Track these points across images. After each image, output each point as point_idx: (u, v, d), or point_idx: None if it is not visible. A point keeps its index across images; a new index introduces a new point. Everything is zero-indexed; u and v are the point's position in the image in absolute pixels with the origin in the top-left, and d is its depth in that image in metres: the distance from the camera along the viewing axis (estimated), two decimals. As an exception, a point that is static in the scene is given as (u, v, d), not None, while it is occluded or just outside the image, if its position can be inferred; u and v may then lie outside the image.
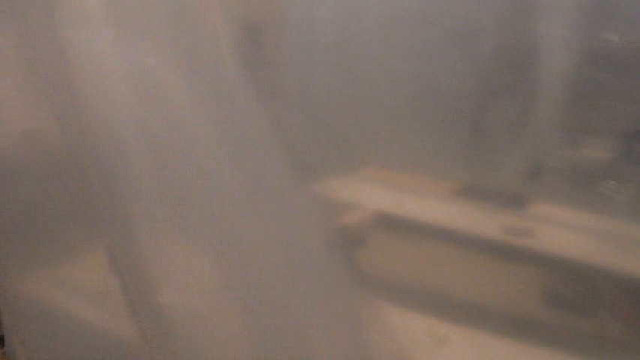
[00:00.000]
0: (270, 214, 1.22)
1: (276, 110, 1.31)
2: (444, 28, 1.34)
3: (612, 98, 1.02)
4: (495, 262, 1.21)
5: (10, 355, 1.76)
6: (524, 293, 1.16)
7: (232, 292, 1.15)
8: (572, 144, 1.07)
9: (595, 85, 1.05)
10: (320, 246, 1.27)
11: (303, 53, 1.47)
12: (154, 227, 1.19)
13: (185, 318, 1.22)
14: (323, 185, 1.37)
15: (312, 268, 1.25)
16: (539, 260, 1.13)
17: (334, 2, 1.48)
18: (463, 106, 1.26)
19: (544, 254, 1.11)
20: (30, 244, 1.60)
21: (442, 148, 1.30)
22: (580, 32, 1.10)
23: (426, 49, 1.34)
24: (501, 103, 1.19)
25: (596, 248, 1.02)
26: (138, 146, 1.19)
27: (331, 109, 1.42)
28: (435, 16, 1.32)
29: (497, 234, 1.18)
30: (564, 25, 1.12)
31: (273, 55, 1.41)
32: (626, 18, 1.05)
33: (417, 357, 1.21)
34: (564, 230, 1.09)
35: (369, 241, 1.37)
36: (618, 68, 1.03)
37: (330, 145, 1.41)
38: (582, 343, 1.09)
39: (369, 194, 1.38)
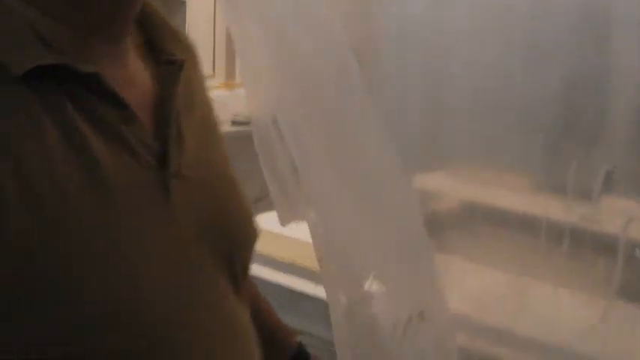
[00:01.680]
0: (383, 199, 1.45)
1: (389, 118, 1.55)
2: (527, 44, 1.57)
3: None
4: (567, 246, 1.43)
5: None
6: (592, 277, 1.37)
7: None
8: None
9: None
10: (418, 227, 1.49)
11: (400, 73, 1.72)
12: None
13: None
14: (421, 178, 1.63)
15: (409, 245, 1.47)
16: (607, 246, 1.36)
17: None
18: (544, 113, 1.49)
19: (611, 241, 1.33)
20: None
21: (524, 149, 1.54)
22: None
23: (508, 62, 1.58)
24: (578, 110, 1.42)
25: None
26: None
27: (428, 117, 1.66)
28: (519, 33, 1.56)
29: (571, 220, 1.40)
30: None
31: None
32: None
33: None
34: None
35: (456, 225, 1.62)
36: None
37: (426, 146, 1.65)
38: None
39: (458, 187, 1.62)
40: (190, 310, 0.80)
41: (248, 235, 0.94)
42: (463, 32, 1.62)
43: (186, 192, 0.82)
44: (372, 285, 1.21)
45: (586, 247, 1.37)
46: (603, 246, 1.29)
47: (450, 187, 1.65)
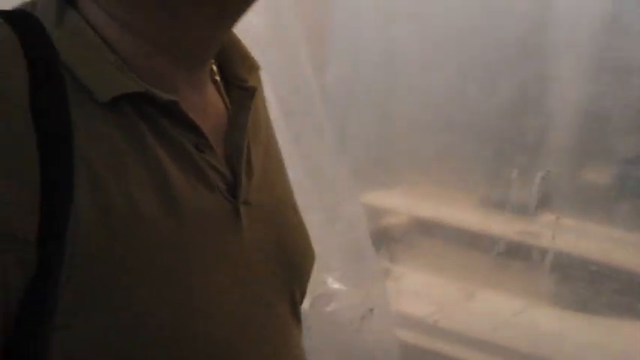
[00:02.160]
0: (336, 212, 1.57)
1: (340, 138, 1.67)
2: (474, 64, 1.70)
3: (615, 128, 1.40)
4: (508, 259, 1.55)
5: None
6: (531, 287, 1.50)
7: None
8: (577, 165, 1.45)
9: (600, 116, 1.43)
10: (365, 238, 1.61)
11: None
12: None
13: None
14: (373, 195, 1.75)
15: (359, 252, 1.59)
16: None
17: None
18: (487, 133, 1.62)
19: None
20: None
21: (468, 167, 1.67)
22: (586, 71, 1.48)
23: (458, 82, 1.70)
24: (518, 131, 1.55)
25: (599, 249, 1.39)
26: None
27: (379, 138, 1.79)
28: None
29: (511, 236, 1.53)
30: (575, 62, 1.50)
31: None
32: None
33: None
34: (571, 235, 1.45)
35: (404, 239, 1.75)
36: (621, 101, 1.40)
37: (377, 164, 1.78)
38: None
39: (408, 203, 1.75)
40: (258, 346, 0.80)
41: (309, 262, 0.93)
42: (414, 53, 1.74)
43: (254, 220, 0.81)
44: (332, 285, 1.33)
45: (521, 257, 1.50)
46: (536, 256, 1.42)
47: (400, 204, 1.77)
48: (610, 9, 1.46)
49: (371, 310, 1.32)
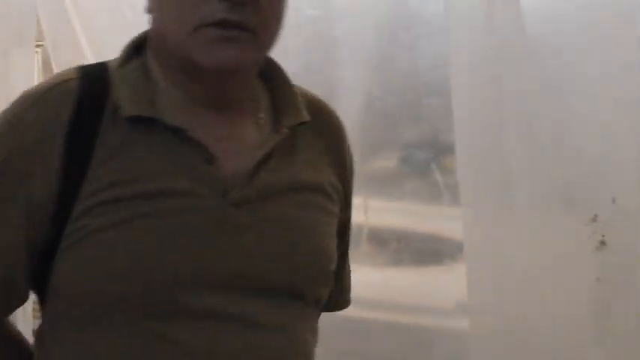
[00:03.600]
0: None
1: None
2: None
3: (395, 119, 1.77)
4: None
5: None
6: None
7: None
8: (370, 154, 1.82)
9: (385, 104, 1.78)
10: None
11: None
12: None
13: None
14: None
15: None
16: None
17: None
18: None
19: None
20: None
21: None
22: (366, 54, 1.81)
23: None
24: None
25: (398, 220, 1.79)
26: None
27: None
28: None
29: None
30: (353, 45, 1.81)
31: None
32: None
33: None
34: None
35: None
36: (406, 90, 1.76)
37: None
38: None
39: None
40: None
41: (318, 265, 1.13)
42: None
43: (256, 220, 1.06)
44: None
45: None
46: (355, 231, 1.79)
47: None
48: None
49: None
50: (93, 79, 1.10)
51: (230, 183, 1.06)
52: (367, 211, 1.77)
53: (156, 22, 1.09)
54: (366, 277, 1.80)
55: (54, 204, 1.03)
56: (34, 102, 1.08)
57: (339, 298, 1.27)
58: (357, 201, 1.85)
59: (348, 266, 1.28)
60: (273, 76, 1.17)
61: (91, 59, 2.06)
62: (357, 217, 1.83)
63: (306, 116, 1.14)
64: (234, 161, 1.07)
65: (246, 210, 1.06)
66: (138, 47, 1.12)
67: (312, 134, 1.16)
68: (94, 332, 1.03)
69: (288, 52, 1.78)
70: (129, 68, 1.10)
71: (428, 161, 1.80)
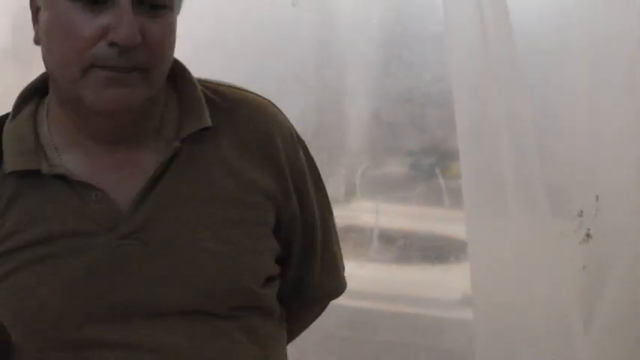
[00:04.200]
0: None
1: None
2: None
3: (401, 129, 1.92)
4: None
5: None
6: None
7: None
8: (381, 160, 1.98)
9: (391, 116, 1.94)
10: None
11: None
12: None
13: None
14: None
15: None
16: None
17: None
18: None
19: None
20: None
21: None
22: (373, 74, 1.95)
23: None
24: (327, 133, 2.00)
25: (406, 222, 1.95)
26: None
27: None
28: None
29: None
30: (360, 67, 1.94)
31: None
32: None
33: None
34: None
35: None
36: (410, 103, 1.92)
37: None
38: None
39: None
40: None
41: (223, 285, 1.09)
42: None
43: (140, 253, 1.06)
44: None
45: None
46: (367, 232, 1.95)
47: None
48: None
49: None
50: None
51: (118, 216, 1.06)
52: (378, 213, 1.94)
53: (45, 57, 1.07)
54: (375, 273, 1.96)
55: None
56: None
57: (315, 292, 1.26)
58: (368, 205, 2.02)
59: (329, 259, 1.24)
60: (179, 78, 1.13)
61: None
62: (368, 219, 2.00)
63: (206, 122, 1.10)
64: (124, 192, 1.07)
65: (136, 239, 1.06)
66: (36, 89, 1.14)
67: (231, 133, 1.12)
68: (23, 356, 1.12)
69: (306, 68, 1.98)
70: (20, 119, 1.12)
71: (432, 167, 1.96)
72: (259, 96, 1.18)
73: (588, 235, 1.61)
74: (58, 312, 1.07)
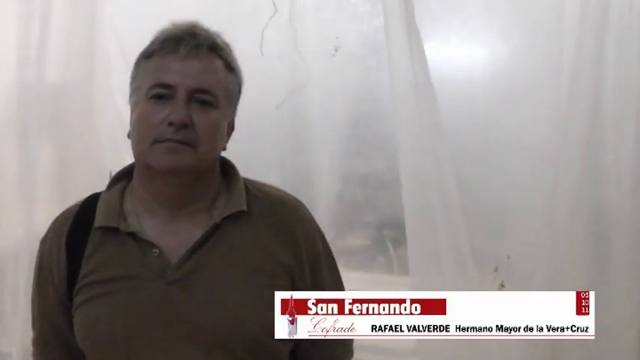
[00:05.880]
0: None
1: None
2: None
3: (365, 205, 2.22)
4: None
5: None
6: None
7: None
8: (341, 235, 2.34)
9: (352, 197, 2.25)
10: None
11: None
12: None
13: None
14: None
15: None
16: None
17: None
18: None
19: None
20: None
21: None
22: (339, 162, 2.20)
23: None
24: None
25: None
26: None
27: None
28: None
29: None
30: (328, 157, 2.20)
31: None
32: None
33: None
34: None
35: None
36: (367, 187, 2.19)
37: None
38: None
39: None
40: None
41: (236, 337, 1.33)
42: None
43: (180, 296, 1.32)
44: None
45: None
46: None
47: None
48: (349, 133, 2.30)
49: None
50: (86, 204, 1.45)
51: (168, 267, 1.35)
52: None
53: (132, 143, 1.37)
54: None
55: (65, 285, 1.39)
56: (50, 226, 1.46)
57: (323, 355, 1.48)
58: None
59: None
60: (230, 175, 1.43)
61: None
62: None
63: (242, 206, 1.39)
64: (176, 251, 1.36)
65: (178, 286, 1.34)
66: (124, 173, 1.46)
67: (266, 220, 1.39)
68: None
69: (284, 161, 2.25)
70: (112, 191, 1.43)
71: (384, 239, 2.27)
72: (293, 197, 1.48)
73: (502, 285, 1.97)
74: (116, 334, 1.35)
